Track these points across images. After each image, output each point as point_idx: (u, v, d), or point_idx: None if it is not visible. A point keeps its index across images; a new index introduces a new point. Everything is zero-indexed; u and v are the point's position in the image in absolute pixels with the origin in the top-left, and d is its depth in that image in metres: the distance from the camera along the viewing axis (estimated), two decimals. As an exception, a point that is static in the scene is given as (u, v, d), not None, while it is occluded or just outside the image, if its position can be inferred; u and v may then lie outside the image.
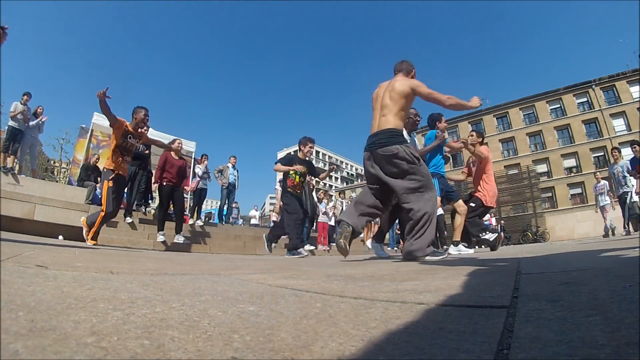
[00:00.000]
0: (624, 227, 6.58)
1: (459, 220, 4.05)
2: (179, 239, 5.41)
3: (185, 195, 8.32)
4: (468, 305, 0.67)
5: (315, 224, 8.60)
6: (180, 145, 5.44)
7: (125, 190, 7.99)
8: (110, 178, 3.79)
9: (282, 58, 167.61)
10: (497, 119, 30.49)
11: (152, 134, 6.81)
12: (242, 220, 15.16)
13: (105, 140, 9.26)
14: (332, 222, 9.16)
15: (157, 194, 5.83)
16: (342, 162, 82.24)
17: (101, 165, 8.06)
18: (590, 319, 0.48)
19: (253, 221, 14.53)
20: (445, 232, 5.45)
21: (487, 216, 4.95)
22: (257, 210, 15.43)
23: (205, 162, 7.74)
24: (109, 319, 0.49)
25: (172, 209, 5.66)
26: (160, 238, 5.25)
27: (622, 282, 0.76)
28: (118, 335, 0.42)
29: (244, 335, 0.46)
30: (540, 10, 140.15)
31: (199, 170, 7.74)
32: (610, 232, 7.74)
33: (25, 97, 6.78)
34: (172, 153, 5.30)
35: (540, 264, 1.52)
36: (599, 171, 12.56)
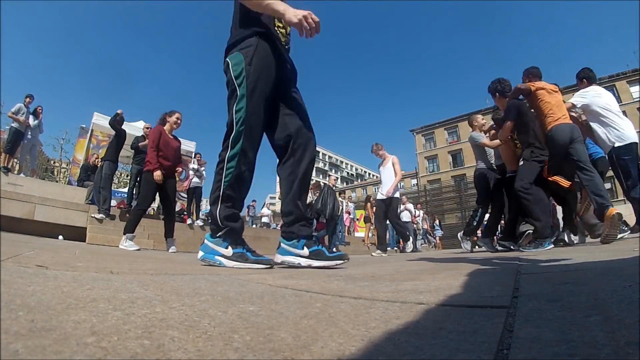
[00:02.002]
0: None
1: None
2: (172, 248, 4.30)
3: (183, 195, 8.26)
4: (468, 305, 0.67)
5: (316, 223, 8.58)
6: (178, 119, 4.36)
7: (126, 190, 7.99)
8: None
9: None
10: (497, 118, 30.60)
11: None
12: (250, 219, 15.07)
13: (105, 140, 9.22)
14: (332, 222, 9.10)
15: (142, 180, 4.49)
16: (342, 162, 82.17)
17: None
18: (590, 319, 0.48)
19: (264, 219, 14.33)
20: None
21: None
22: (269, 209, 15.16)
23: (200, 160, 7.75)
24: (109, 319, 0.49)
25: (161, 203, 4.52)
26: (127, 244, 3.94)
27: (622, 282, 0.76)
28: (118, 335, 0.42)
29: (244, 335, 0.46)
30: (540, 11, 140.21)
31: (192, 166, 7.76)
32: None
33: (28, 99, 6.78)
34: (167, 129, 4.25)
35: (540, 264, 1.52)
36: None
